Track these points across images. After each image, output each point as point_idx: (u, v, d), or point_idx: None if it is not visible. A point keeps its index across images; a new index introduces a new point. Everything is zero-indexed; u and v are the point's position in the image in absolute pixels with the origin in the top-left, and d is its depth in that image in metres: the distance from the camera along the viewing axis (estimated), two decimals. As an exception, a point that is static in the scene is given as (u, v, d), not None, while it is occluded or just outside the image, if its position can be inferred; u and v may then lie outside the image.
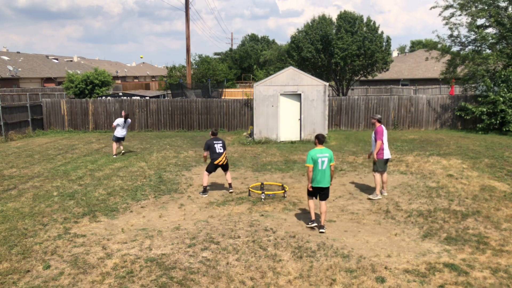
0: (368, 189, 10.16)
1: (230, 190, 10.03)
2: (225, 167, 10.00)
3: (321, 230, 7.45)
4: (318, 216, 7.96)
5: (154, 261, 6.25)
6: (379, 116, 9.62)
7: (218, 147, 9.78)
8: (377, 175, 9.44)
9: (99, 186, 10.65)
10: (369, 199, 9.36)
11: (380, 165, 9.42)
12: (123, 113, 14.92)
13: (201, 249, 6.65)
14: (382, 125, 9.49)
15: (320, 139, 7.59)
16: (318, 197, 7.71)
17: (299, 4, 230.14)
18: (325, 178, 7.50)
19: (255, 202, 9.29)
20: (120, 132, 14.71)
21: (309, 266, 6.09)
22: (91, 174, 12.00)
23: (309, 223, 7.67)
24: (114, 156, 14.47)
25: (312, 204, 7.80)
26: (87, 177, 11.65)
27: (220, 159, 9.78)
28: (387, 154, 9.44)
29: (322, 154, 7.45)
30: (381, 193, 9.58)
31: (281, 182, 10.94)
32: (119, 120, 14.72)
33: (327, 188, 7.64)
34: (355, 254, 6.46)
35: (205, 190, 9.90)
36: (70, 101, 21.62)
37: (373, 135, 9.49)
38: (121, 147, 15.00)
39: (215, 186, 10.74)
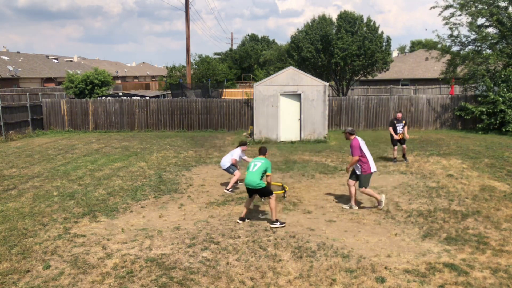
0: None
1: (405, 159, 13.02)
2: (401, 141, 12.97)
3: (271, 225, 7.67)
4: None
5: (154, 261, 6.25)
6: (350, 128, 8.87)
7: (399, 129, 12.88)
8: (369, 190, 8.60)
9: (99, 186, 10.65)
10: (344, 208, 8.73)
11: (366, 180, 8.59)
12: (243, 147, 10.66)
13: (201, 249, 6.65)
14: (358, 137, 8.63)
15: (260, 150, 8.34)
16: (252, 197, 8.00)
17: (299, 4, 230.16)
18: (252, 179, 7.72)
19: (255, 202, 9.29)
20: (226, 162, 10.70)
21: (309, 266, 6.09)
22: (91, 174, 12.00)
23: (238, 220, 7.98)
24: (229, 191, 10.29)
25: (248, 203, 8.10)
26: (87, 177, 11.65)
27: (399, 135, 12.87)
28: (373, 167, 8.62)
29: (256, 160, 7.99)
30: (351, 207, 8.81)
31: (281, 182, 10.94)
32: (238, 153, 10.62)
33: (258, 189, 7.75)
34: (355, 254, 6.46)
35: (395, 159, 13.00)
36: (70, 101, 21.63)
37: (350, 148, 8.72)
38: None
39: (215, 186, 10.74)
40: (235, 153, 10.56)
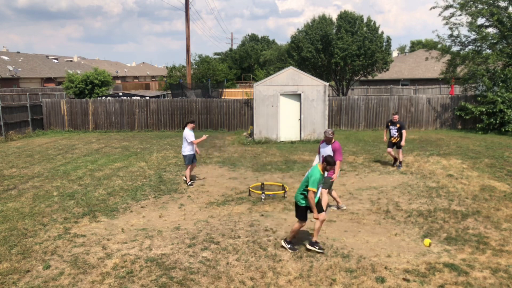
0: (368, 189, 10.16)
1: (398, 166, 12.27)
2: (395, 144, 12.31)
3: (307, 245, 6.63)
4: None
5: (154, 261, 6.25)
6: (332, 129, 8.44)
7: (393, 132, 12.32)
8: (326, 194, 8.25)
9: (99, 186, 10.65)
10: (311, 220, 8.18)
11: (330, 183, 8.32)
12: (190, 125, 10.80)
13: (201, 249, 6.65)
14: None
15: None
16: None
17: (299, 4, 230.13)
18: (296, 192, 6.79)
19: (255, 202, 9.29)
20: (187, 148, 10.77)
21: (309, 266, 6.10)
22: (91, 174, 12.00)
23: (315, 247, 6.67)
24: (190, 184, 10.77)
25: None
26: (87, 177, 11.65)
27: (392, 139, 12.34)
28: (337, 174, 8.41)
29: (308, 171, 6.75)
30: (339, 207, 8.74)
31: (281, 182, 10.94)
32: (187, 134, 10.70)
33: (296, 206, 6.67)
34: (355, 254, 6.46)
35: (397, 163, 12.38)
36: (70, 101, 21.63)
37: (329, 150, 8.28)
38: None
39: (215, 186, 10.74)
40: (185, 136, 10.64)
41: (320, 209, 6.57)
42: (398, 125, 12.20)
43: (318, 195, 6.61)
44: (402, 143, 12.09)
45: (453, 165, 12.30)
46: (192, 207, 9.03)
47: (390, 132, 12.39)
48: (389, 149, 12.32)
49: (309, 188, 6.36)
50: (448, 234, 7.36)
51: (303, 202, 6.53)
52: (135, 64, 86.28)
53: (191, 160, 10.82)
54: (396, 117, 12.33)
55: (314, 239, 6.61)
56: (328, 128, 19.02)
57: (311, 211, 6.51)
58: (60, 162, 13.80)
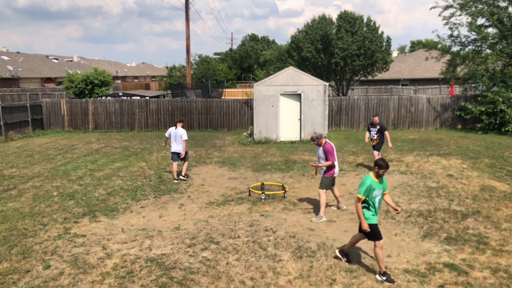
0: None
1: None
2: (376, 147, 12.22)
3: (376, 276, 5.82)
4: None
5: (154, 261, 6.25)
6: (318, 133, 8.37)
7: (373, 134, 12.18)
8: (323, 194, 8.24)
9: (99, 186, 10.65)
10: (311, 220, 8.12)
11: (327, 183, 8.33)
12: (180, 124, 11.47)
13: (201, 249, 6.65)
14: (329, 141, 8.35)
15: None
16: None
17: (299, 4, 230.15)
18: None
19: (255, 202, 9.29)
20: (173, 146, 11.42)
21: (309, 266, 6.10)
22: (91, 174, 12.00)
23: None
24: (175, 181, 11.17)
25: (354, 238, 6.25)
26: (87, 177, 11.65)
27: (372, 141, 12.25)
28: (336, 172, 8.42)
29: None
30: (339, 207, 8.76)
31: (281, 182, 10.95)
32: (183, 132, 11.31)
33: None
34: (355, 254, 6.46)
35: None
36: (70, 101, 21.63)
37: (321, 152, 8.26)
38: (181, 167, 11.63)
39: (215, 186, 10.74)
40: (183, 135, 11.24)
41: (378, 235, 5.73)
42: (378, 127, 12.02)
43: (377, 204, 5.83)
44: (389, 144, 12.00)
45: (453, 165, 12.30)
46: (192, 207, 9.03)
47: (370, 134, 12.22)
48: (376, 152, 12.14)
49: (358, 195, 5.75)
50: (448, 234, 7.37)
51: (368, 217, 5.76)
52: (135, 64, 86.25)
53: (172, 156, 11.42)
54: (376, 119, 12.12)
55: (381, 270, 5.74)
56: (328, 128, 19.04)
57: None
58: (60, 162, 13.80)
